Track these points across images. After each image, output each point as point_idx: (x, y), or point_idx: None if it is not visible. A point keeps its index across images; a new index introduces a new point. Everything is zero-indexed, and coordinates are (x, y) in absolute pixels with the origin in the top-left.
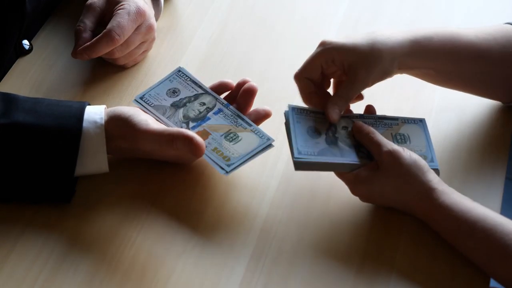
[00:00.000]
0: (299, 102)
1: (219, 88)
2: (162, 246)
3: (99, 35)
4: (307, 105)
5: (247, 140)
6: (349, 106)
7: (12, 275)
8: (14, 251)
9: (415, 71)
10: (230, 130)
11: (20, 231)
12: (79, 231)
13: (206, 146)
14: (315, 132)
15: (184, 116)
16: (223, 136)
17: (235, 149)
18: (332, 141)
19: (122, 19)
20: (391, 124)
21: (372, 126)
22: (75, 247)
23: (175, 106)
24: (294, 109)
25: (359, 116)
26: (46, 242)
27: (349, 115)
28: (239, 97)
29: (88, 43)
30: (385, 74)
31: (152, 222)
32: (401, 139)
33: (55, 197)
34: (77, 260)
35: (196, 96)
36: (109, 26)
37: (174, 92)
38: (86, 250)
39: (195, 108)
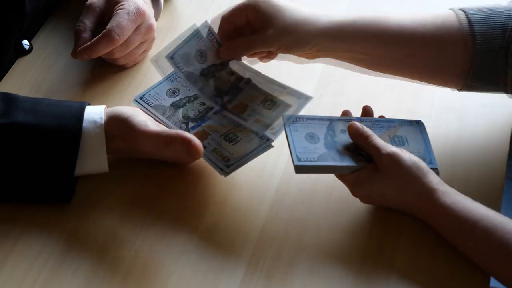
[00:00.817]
0: None
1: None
2: (162, 247)
3: (98, 35)
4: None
5: (246, 140)
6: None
7: (12, 275)
8: (14, 251)
9: (339, 54)
10: (229, 130)
11: (20, 231)
12: (79, 231)
13: (206, 147)
14: (313, 137)
15: (183, 116)
16: (222, 137)
17: (234, 150)
18: (332, 145)
19: (121, 19)
20: (389, 126)
21: (370, 129)
22: (75, 247)
23: (175, 106)
24: (289, 119)
25: (357, 119)
26: (46, 242)
27: (346, 118)
28: None
29: (88, 43)
30: (294, 46)
31: (152, 222)
32: (399, 141)
33: (55, 197)
34: (77, 260)
35: (196, 96)
36: (108, 26)
37: (174, 92)
38: (86, 250)
39: (195, 108)
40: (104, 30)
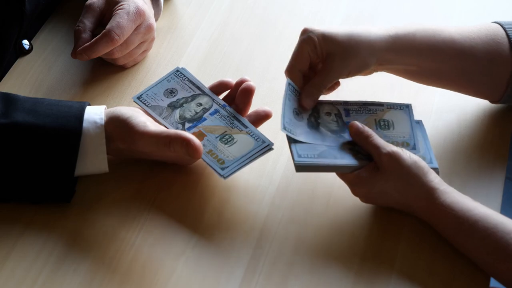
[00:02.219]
0: None
1: (219, 87)
2: (162, 247)
3: (98, 36)
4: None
5: (242, 142)
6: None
7: (12, 275)
8: (14, 251)
9: (396, 67)
10: (225, 132)
11: (20, 231)
12: (79, 231)
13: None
14: (299, 115)
15: (180, 117)
16: (218, 138)
17: (230, 152)
18: (314, 126)
19: (121, 19)
20: (376, 110)
21: (356, 113)
22: (75, 247)
23: (172, 106)
24: (290, 85)
25: (343, 102)
26: (46, 242)
27: (332, 101)
28: (237, 97)
29: (88, 43)
30: (362, 67)
31: (152, 222)
32: (385, 125)
33: (55, 197)
34: (77, 260)
35: (194, 97)
36: (108, 26)
37: (171, 92)
38: (86, 250)
39: (191, 109)
40: (104, 30)
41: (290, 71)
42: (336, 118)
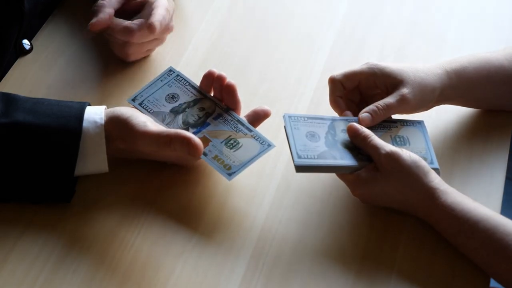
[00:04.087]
0: (298, 103)
1: (206, 82)
2: (162, 246)
3: (141, 22)
4: (332, 106)
5: (247, 146)
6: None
7: (12, 275)
8: (14, 251)
9: (454, 102)
10: (230, 136)
11: (20, 231)
12: (79, 231)
13: (207, 154)
14: (314, 136)
15: (183, 122)
16: (224, 143)
17: (236, 157)
18: (332, 144)
19: (164, 13)
20: (390, 126)
21: (371, 129)
22: (75, 247)
23: (175, 112)
24: (290, 117)
25: (358, 119)
26: (46, 242)
27: (347, 118)
28: (224, 99)
29: (128, 24)
30: (423, 104)
31: (152, 222)
32: (401, 141)
33: (55, 197)
34: (77, 260)
35: (196, 101)
36: (153, 18)
37: (173, 97)
38: (86, 250)
39: (194, 114)
40: (149, 21)
41: (333, 80)
42: None
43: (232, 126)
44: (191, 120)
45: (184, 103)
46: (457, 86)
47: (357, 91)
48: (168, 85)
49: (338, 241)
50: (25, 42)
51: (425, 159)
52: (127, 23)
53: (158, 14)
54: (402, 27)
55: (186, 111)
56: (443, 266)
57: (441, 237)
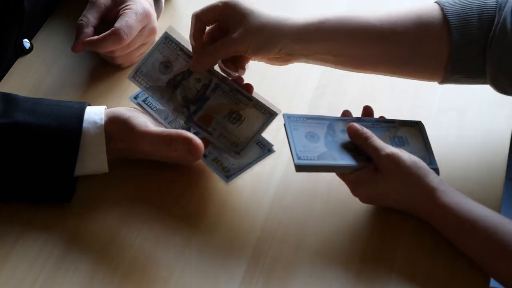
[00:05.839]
0: (298, 103)
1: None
2: (162, 246)
3: (106, 32)
4: (191, 42)
5: (250, 118)
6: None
7: (12, 275)
8: (14, 251)
9: (309, 57)
10: (232, 109)
11: (20, 231)
12: (79, 231)
13: (207, 156)
14: (314, 137)
15: (183, 98)
16: (226, 118)
17: (240, 133)
18: (332, 145)
19: (130, 19)
20: (389, 127)
21: (370, 129)
22: (75, 247)
23: (171, 86)
24: (290, 117)
25: (357, 119)
26: (46, 242)
27: (347, 118)
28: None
29: (95, 37)
30: (263, 49)
31: (152, 222)
32: (400, 142)
33: (55, 197)
34: (77, 260)
35: (190, 71)
36: (117, 24)
37: (166, 66)
38: (86, 250)
39: (192, 87)
40: (113, 28)
41: (195, 17)
42: None
43: (232, 97)
44: (190, 94)
45: (179, 74)
46: (306, 40)
47: (218, 28)
48: (159, 50)
49: (338, 241)
50: (26, 41)
51: (424, 159)
52: (95, 38)
53: (121, 20)
54: None
55: (182, 84)
56: (443, 266)
57: (441, 237)
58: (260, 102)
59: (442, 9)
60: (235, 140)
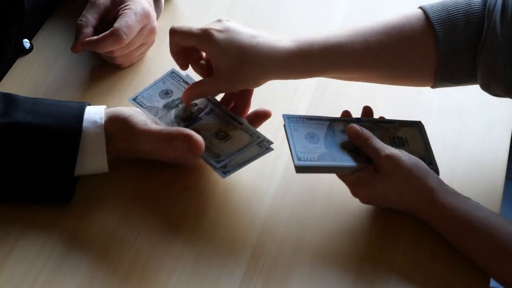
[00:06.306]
0: (298, 103)
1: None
2: (162, 246)
3: (106, 32)
4: (174, 59)
5: (237, 138)
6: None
7: (12, 275)
8: (14, 251)
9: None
10: (220, 128)
11: (20, 231)
12: (79, 231)
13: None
14: (314, 137)
15: (176, 117)
16: (214, 135)
17: (225, 147)
18: (332, 145)
19: (129, 19)
20: (388, 127)
21: (370, 130)
22: (75, 247)
23: (167, 107)
24: (289, 118)
25: (357, 120)
26: (46, 242)
27: (347, 118)
28: (236, 97)
29: (94, 37)
30: (250, 83)
31: (152, 222)
32: (400, 142)
33: (55, 197)
34: (77, 260)
35: None
36: (116, 25)
37: (166, 93)
38: (86, 250)
39: (187, 110)
40: (112, 28)
41: (172, 33)
42: None
43: (224, 121)
44: (184, 116)
45: (178, 99)
46: (288, 75)
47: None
48: (163, 81)
49: (338, 241)
50: (26, 41)
51: (424, 160)
52: (94, 38)
53: (121, 20)
54: None
55: (178, 107)
56: (443, 266)
57: (441, 237)
58: (251, 127)
59: (427, 17)
60: (217, 152)
